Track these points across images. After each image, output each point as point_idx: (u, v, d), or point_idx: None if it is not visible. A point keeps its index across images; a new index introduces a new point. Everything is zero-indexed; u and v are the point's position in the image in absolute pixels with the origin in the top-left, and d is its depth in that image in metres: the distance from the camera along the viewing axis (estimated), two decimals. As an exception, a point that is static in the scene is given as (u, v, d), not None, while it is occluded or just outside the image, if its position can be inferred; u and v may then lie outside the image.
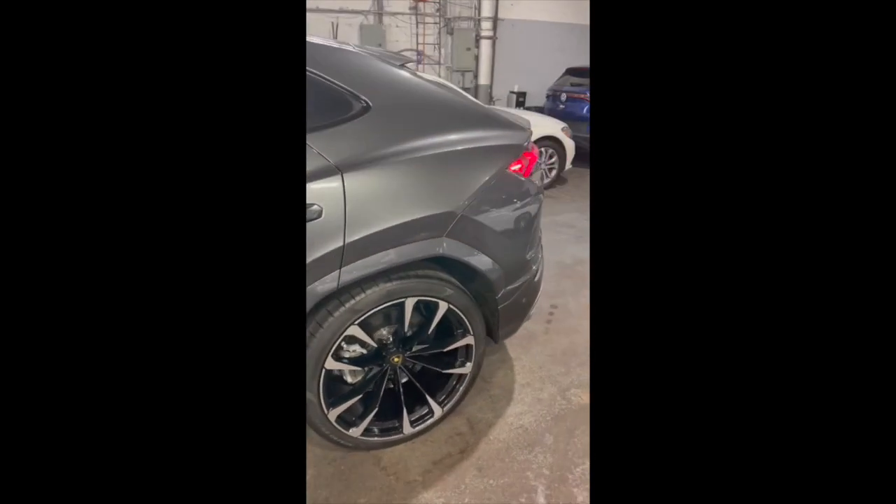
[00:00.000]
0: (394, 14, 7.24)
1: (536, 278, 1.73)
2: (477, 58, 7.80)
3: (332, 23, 6.91)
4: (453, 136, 1.38)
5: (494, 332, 1.65)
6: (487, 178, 1.42)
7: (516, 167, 1.53)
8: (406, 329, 1.44)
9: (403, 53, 7.42)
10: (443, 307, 1.43)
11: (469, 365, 1.61)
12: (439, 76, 7.81)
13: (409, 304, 1.37)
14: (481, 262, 1.44)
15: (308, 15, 6.77)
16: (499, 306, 1.57)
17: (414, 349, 1.51)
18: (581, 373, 2.01)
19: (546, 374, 1.99)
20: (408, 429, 1.55)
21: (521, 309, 1.68)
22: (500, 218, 1.47)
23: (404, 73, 1.41)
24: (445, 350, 1.54)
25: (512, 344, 2.21)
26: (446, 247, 1.33)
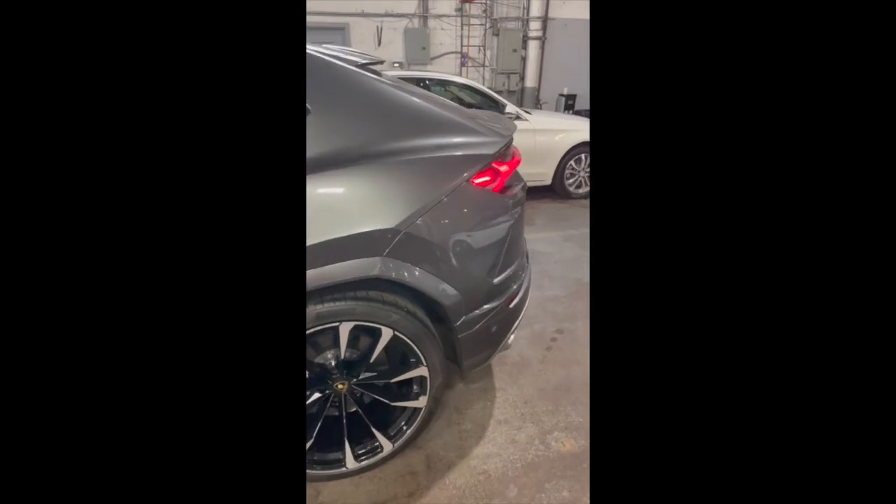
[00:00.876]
0: (439, 16, 7.17)
1: (513, 304, 1.52)
2: (524, 59, 7.53)
3: (377, 27, 6.97)
4: (401, 145, 1.23)
5: (459, 361, 1.47)
6: (440, 192, 1.25)
7: (482, 180, 1.34)
8: (343, 355, 1.30)
9: (445, 54, 7.32)
10: (387, 334, 1.28)
11: (423, 398, 1.44)
12: (483, 79, 7.63)
13: (344, 329, 1.23)
14: (430, 285, 1.27)
15: (352, 20, 6.88)
16: (459, 335, 1.39)
17: (361, 377, 1.37)
18: (571, 413, 1.76)
19: (529, 412, 1.77)
20: (351, 463, 1.41)
21: (490, 338, 1.49)
22: (457, 237, 1.29)
23: (359, 75, 1.27)
24: (394, 381, 1.39)
25: (501, 371, 2.00)
26: (382, 268, 1.17)
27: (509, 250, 1.45)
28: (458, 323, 1.37)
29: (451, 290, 1.30)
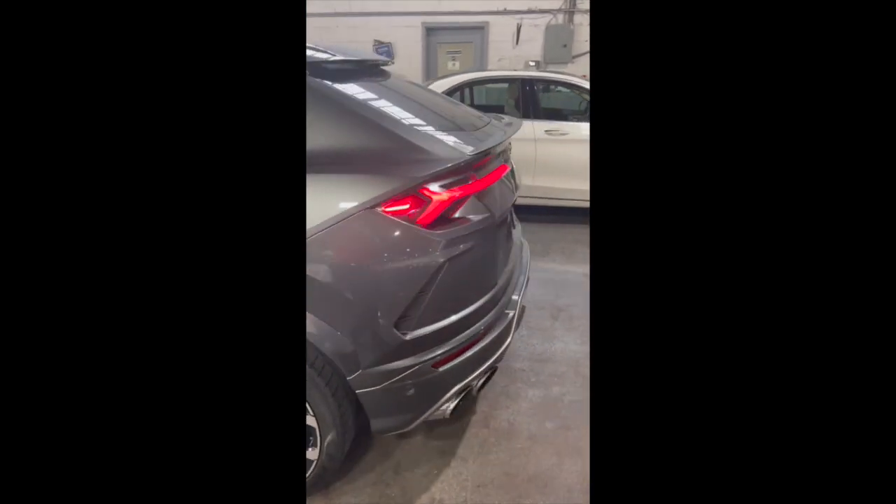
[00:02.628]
0: (586, 12, 6.52)
1: (444, 368, 1.20)
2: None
3: (517, 24, 6.69)
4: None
5: (368, 422, 1.23)
6: (326, 219, 1.02)
7: (395, 208, 1.06)
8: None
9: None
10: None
11: (315, 451, 1.24)
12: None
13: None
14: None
15: (492, 18, 6.73)
16: (356, 390, 1.15)
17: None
18: (526, 522, 1.34)
19: (474, 502, 1.40)
20: None
21: (406, 402, 1.20)
22: (345, 274, 1.05)
23: None
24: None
25: (476, 433, 1.65)
26: None
27: (438, 301, 1.13)
28: (352, 376, 1.13)
29: (336, 334, 1.07)
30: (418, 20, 6.93)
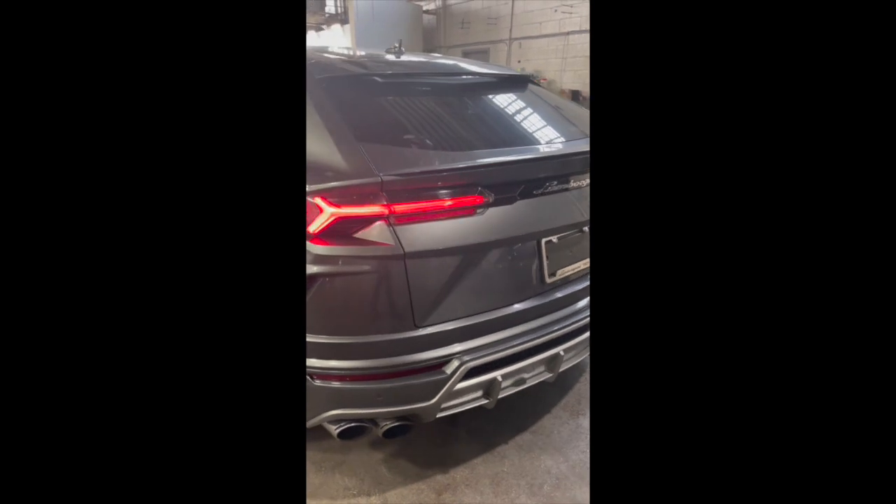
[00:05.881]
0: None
1: (319, 384, 1.19)
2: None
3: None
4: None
5: None
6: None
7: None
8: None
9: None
10: None
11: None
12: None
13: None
14: None
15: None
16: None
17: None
18: None
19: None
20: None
21: None
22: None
23: None
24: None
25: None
26: None
27: (314, 314, 1.13)
28: None
29: None
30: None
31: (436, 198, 1.14)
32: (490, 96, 1.65)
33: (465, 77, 1.70)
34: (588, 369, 2.00)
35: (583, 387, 1.92)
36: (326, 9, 9.29)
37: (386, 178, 1.07)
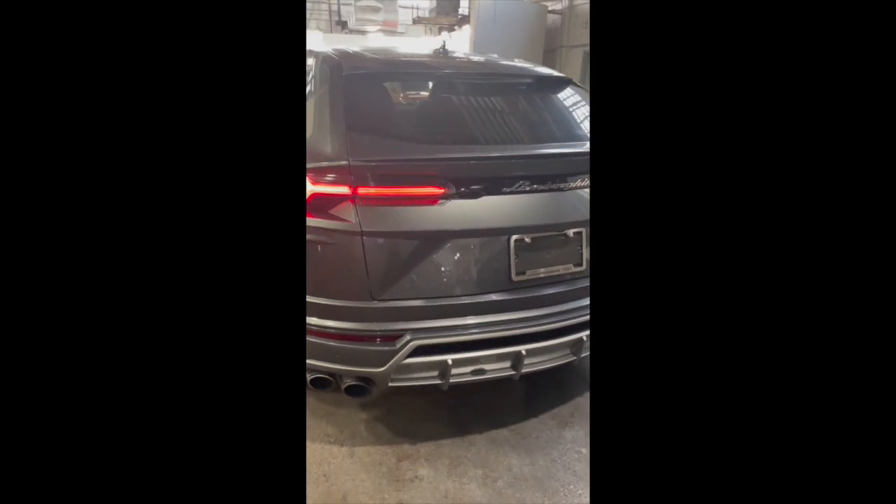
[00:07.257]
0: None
1: None
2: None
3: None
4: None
5: None
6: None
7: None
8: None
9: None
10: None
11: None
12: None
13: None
14: None
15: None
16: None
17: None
18: None
19: None
20: None
21: None
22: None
23: None
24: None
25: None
26: None
27: None
28: None
29: None
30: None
31: (397, 184, 1.27)
32: (508, 96, 1.67)
33: (485, 77, 1.74)
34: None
35: (583, 401, 1.83)
36: (460, 11, 9.71)
37: (353, 164, 1.23)
